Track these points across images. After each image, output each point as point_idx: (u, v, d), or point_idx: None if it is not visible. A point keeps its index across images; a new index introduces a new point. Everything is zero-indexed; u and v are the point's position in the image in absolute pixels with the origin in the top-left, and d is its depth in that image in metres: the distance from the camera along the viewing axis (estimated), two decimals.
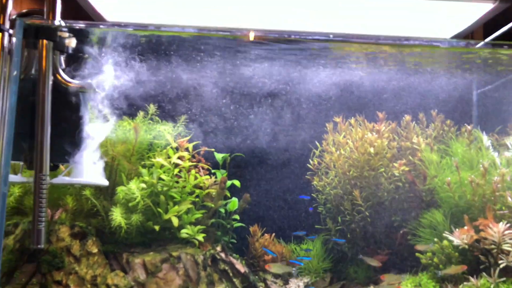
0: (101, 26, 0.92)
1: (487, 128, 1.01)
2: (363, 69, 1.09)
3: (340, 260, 1.01)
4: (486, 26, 1.10)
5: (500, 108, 1.04)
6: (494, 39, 1.04)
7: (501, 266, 0.82)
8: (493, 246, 0.84)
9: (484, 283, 0.82)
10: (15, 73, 0.76)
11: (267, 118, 1.12)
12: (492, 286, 0.81)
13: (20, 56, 0.77)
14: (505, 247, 0.83)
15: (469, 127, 0.95)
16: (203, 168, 1.05)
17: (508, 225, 0.84)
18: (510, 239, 0.83)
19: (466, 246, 0.85)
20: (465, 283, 0.83)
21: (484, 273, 0.83)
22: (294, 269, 0.98)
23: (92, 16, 1.14)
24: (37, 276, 0.82)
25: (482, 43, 1.02)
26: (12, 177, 0.81)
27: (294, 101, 1.14)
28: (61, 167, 0.87)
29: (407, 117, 1.03)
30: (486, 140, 0.97)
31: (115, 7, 1.08)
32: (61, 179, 0.85)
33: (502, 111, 1.03)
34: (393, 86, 1.09)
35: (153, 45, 0.98)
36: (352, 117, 1.07)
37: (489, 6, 0.99)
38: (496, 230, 0.84)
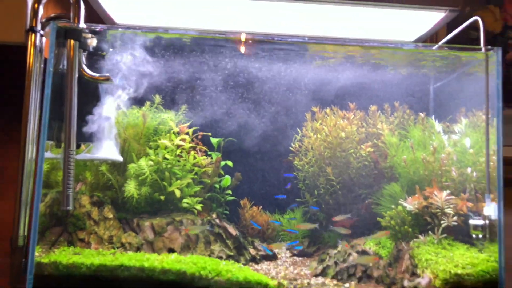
0: (119, 29, 1.09)
1: (441, 117, 1.21)
2: (338, 66, 1.27)
3: (316, 228, 1.20)
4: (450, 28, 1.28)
5: (451, 100, 1.24)
6: (447, 42, 1.24)
7: (443, 226, 1.01)
8: (437, 210, 1.03)
9: (430, 239, 1.01)
10: (51, 68, 0.93)
11: (257, 108, 1.30)
12: (435, 241, 1.00)
13: (53, 54, 0.94)
14: (447, 211, 1.02)
15: (422, 115, 1.15)
16: (200, 150, 1.23)
17: (449, 193, 1.03)
18: (451, 204, 1.03)
19: (417, 211, 1.04)
20: (415, 239, 1.02)
21: (430, 232, 1.02)
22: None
23: (103, 18, 1.32)
24: (64, 235, 0.99)
25: (435, 46, 1.21)
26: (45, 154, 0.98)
27: (280, 94, 1.31)
28: (82, 146, 1.05)
29: (373, 107, 1.22)
30: (437, 126, 1.16)
31: (123, 11, 1.26)
32: (84, 155, 1.02)
33: (453, 103, 1.22)
34: (363, 81, 1.27)
35: (158, 45, 1.15)
36: (328, 107, 1.26)
37: (442, 14, 1.19)
38: (440, 197, 1.03)
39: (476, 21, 1.04)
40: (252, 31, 1.33)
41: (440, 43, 1.23)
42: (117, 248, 0.98)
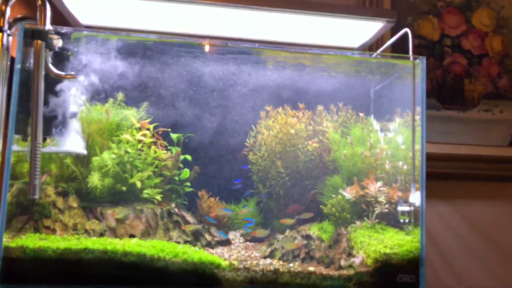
0: (84, 32, 1.16)
1: (380, 116, 1.35)
2: (289, 70, 1.39)
3: (268, 216, 1.32)
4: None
5: (389, 102, 1.38)
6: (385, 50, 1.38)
7: (376, 212, 1.15)
8: (372, 199, 1.17)
9: (365, 224, 1.15)
10: (18, 66, 1.00)
11: (214, 107, 1.39)
12: (369, 226, 1.14)
13: (21, 52, 1.00)
14: (380, 199, 1.16)
15: (362, 115, 1.29)
16: (161, 145, 1.32)
17: (383, 184, 1.18)
18: (384, 193, 1.17)
19: (354, 199, 1.18)
20: (352, 225, 1.16)
21: (365, 218, 1.16)
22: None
23: (68, 19, 1.38)
24: (30, 222, 1.06)
25: (374, 54, 1.36)
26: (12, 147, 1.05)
27: (237, 93, 1.42)
28: (48, 140, 1.11)
29: (320, 107, 1.35)
30: (375, 124, 1.30)
31: (88, 12, 1.33)
32: (49, 148, 1.09)
33: (390, 104, 1.37)
34: (311, 83, 1.40)
35: (121, 46, 1.22)
36: (280, 107, 1.38)
37: (381, 24, 1.33)
38: (374, 187, 1.17)
39: (406, 33, 1.18)
40: (212, 35, 1.44)
41: (379, 51, 1.37)
42: (81, 234, 1.05)
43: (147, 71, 1.29)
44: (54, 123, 1.08)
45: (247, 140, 1.39)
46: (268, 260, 1.10)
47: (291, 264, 1.07)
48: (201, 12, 1.27)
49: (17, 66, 0.99)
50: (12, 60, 1.06)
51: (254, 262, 1.05)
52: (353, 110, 1.38)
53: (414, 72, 1.13)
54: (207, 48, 1.17)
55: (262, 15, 1.27)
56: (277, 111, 1.36)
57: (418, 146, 1.13)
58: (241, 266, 1.01)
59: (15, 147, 1.03)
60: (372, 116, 1.34)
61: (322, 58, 1.32)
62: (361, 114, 1.30)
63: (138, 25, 1.41)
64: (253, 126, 1.38)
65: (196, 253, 1.01)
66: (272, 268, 1.02)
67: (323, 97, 1.39)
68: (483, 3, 1.89)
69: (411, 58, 1.14)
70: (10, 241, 0.96)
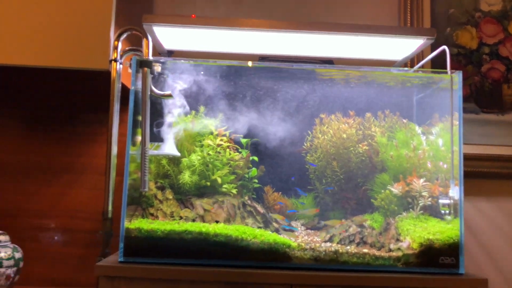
0: (179, 61, 1.43)
1: (422, 122, 1.54)
2: (341, 83, 1.61)
3: (324, 208, 1.54)
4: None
5: (430, 109, 1.57)
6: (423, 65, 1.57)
7: (420, 204, 1.35)
8: (416, 193, 1.37)
9: (411, 215, 1.35)
10: (133, 88, 1.28)
11: (277, 116, 1.64)
12: (414, 216, 1.34)
13: (134, 78, 1.29)
14: (423, 193, 1.36)
15: (405, 121, 1.50)
16: (233, 148, 1.58)
17: (425, 180, 1.37)
18: (426, 189, 1.37)
19: (400, 193, 1.38)
20: (399, 215, 1.36)
21: (411, 210, 1.37)
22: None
23: (154, 44, 1.67)
24: (139, 210, 1.34)
25: (413, 69, 1.55)
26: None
27: (295, 104, 1.65)
28: (149, 145, 1.39)
29: (368, 114, 1.56)
30: (417, 129, 1.50)
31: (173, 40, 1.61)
32: (152, 152, 1.37)
33: (431, 110, 1.56)
34: (361, 93, 1.62)
35: (202, 69, 1.49)
36: (333, 115, 1.60)
37: (421, 41, 1.53)
38: (417, 183, 1.37)
39: (443, 50, 1.37)
40: (276, 54, 1.68)
41: (419, 64, 1.57)
42: (178, 220, 1.32)
43: (223, 88, 1.55)
44: (155, 132, 1.36)
45: (304, 144, 1.62)
46: (328, 244, 1.33)
47: (348, 247, 1.29)
48: (267, 36, 1.52)
49: (132, 88, 1.27)
50: (123, 83, 1.35)
51: (317, 244, 1.28)
52: (399, 116, 1.58)
53: (452, 84, 1.33)
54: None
55: (322, 38, 1.51)
56: (330, 118, 1.59)
57: (457, 148, 1.32)
58: (307, 246, 1.24)
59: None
60: (415, 121, 1.54)
61: (371, 74, 1.53)
62: (404, 120, 1.50)
63: (211, 48, 1.68)
64: (309, 132, 1.62)
65: (271, 236, 1.25)
66: (332, 249, 1.25)
67: (372, 106, 1.60)
68: None
69: (449, 72, 1.34)
70: (129, 223, 1.24)
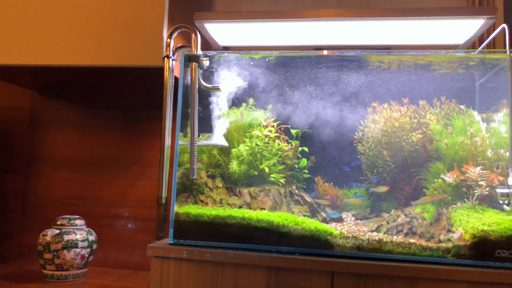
0: (223, 53, 1.50)
1: (485, 108, 1.44)
2: (395, 70, 1.56)
3: (375, 199, 1.50)
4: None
5: (493, 94, 1.46)
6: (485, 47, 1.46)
7: (476, 194, 1.26)
8: (473, 182, 1.29)
9: (466, 205, 1.27)
10: (181, 81, 1.37)
11: (328, 106, 1.63)
12: (469, 207, 1.26)
13: (183, 73, 1.38)
14: (480, 183, 1.27)
15: (462, 107, 1.40)
16: (283, 139, 1.60)
17: (481, 168, 1.28)
18: (484, 177, 1.27)
19: (455, 183, 1.31)
20: (453, 205, 1.29)
21: (466, 200, 1.28)
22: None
23: (210, 42, 1.76)
24: (190, 197, 1.43)
25: (476, 51, 1.45)
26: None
27: (346, 94, 1.64)
28: (200, 136, 1.47)
29: (422, 102, 1.49)
30: (477, 115, 1.40)
31: (225, 36, 1.68)
32: (202, 142, 1.45)
33: (494, 96, 1.45)
34: (416, 80, 1.55)
35: (250, 62, 1.54)
36: (386, 103, 1.55)
37: (482, 22, 1.43)
38: (473, 171, 1.28)
39: (503, 28, 1.27)
40: (322, 45, 1.68)
41: (481, 47, 1.46)
42: (226, 206, 1.39)
43: (272, 80, 1.59)
44: (205, 123, 1.44)
45: (356, 134, 1.59)
46: (375, 233, 1.30)
47: (395, 236, 1.26)
48: (318, 26, 1.53)
49: (180, 81, 1.36)
50: (175, 78, 1.44)
51: (361, 232, 1.26)
52: (458, 103, 1.49)
53: (511, 64, 1.22)
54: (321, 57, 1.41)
55: (379, 24, 1.48)
56: (383, 106, 1.54)
57: None
58: (350, 235, 1.23)
59: (180, 142, 1.41)
60: (476, 107, 1.43)
61: (430, 58, 1.46)
62: (461, 107, 1.41)
63: (264, 42, 1.72)
64: (361, 121, 1.58)
65: (312, 223, 1.26)
66: (376, 238, 1.22)
67: (429, 92, 1.53)
68: None
69: (508, 51, 1.23)
70: (178, 208, 1.33)
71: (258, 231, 1.27)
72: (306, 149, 1.60)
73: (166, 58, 1.43)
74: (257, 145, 1.52)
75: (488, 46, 1.57)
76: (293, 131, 1.62)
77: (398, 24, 1.51)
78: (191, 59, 1.38)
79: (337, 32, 1.59)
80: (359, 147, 1.57)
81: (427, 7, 1.70)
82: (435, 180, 1.35)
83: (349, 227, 1.38)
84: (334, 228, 1.27)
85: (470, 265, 1.15)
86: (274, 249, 1.24)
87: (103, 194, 2.00)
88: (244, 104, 1.57)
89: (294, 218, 1.28)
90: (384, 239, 1.22)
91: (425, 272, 1.14)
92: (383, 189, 1.42)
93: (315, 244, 1.24)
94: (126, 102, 1.99)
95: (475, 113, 1.40)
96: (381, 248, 1.21)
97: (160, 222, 1.40)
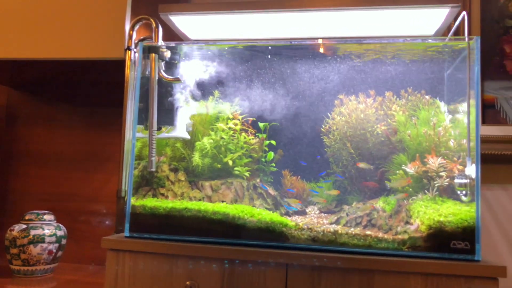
0: (184, 45, 1.49)
1: (452, 99, 1.41)
2: (361, 61, 1.54)
3: (342, 191, 1.48)
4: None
5: (458, 84, 1.43)
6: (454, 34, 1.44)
7: (436, 186, 1.23)
8: (434, 173, 1.26)
9: (426, 197, 1.24)
10: (138, 73, 1.36)
11: (295, 98, 1.61)
12: (429, 198, 1.23)
13: (141, 64, 1.37)
14: (441, 174, 1.24)
15: (427, 98, 1.37)
16: (251, 132, 1.58)
17: (442, 159, 1.25)
18: (445, 168, 1.24)
19: (417, 174, 1.28)
20: (413, 197, 1.26)
21: (426, 191, 1.25)
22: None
23: (181, 37, 1.75)
24: (151, 191, 1.41)
25: (435, 39, 1.42)
26: (137, 134, 1.41)
27: (314, 86, 1.61)
28: (163, 128, 1.46)
29: (388, 93, 1.46)
30: (443, 106, 1.37)
31: (194, 29, 1.67)
32: (163, 134, 1.44)
33: (459, 86, 1.42)
34: (383, 71, 1.52)
35: (216, 53, 1.52)
36: (352, 95, 1.53)
37: (447, 11, 1.40)
38: (434, 162, 1.25)
39: (463, 16, 1.24)
40: (287, 37, 1.66)
41: (449, 35, 1.43)
42: (186, 200, 1.37)
43: (238, 73, 1.57)
44: (166, 116, 1.42)
45: (323, 126, 1.57)
46: (334, 225, 1.28)
47: (352, 228, 1.23)
48: (286, 17, 1.51)
49: (138, 74, 1.35)
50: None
51: (318, 225, 1.24)
52: (427, 94, 1.46)
53: (469, 53, 1.20)
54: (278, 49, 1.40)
55: (345, 14, 1.46)
56: (349, 98, 1.52)
57: (474, 126, 1.19)
58: (305, 226, 1.21)
59: (139, 135, 1.40)
60: (442, 98, 1.41)
61: (395, 48, 1.44)
62: (427, 97, 1.38)
63: (234, 35, 1.71)
64: (328, 114, 1.56)
65: (269, 215, 1.24)
66: (331, 229, 1.20)
67: (398, 83, 1.50)
68: None
69: (466, 38, 1.21)
70: (135, 201, 1.32)
71: (214, 223, 1.25)
72: (273, 142, 1.58)
73: (128, 50, 1.42)
74: (222, 138, 1.51)
75: (456, 35, 1.54)
76: (260, 124, 1.60)
77: (364, 14, 1.49)
78: (150, 50, 1.37)
79: (305, 23, 1.57)
80: (325, 140, 1.55)
81: None
82: (397, 172, 1.33)
83: (310, 220, 1.36)
84: (290, 220, 1.25)
85: (425, 257, 1.12)
86: (229, 242, 1.23)
87: (79, 189, 2.00)
88: (210, 97, 1.56)
89: (250, 210, 1.26)
90: (340, 231, 1.19)
91: (379, 265, 1.12)
92: (334, 192, 1.40)
93: (271, 236, 1.22)
94: (96, 97, 1.98)
95: (442, 104, 1.37)
96: (336, 240, 1.19)
97: (119, 215, 1.39)
